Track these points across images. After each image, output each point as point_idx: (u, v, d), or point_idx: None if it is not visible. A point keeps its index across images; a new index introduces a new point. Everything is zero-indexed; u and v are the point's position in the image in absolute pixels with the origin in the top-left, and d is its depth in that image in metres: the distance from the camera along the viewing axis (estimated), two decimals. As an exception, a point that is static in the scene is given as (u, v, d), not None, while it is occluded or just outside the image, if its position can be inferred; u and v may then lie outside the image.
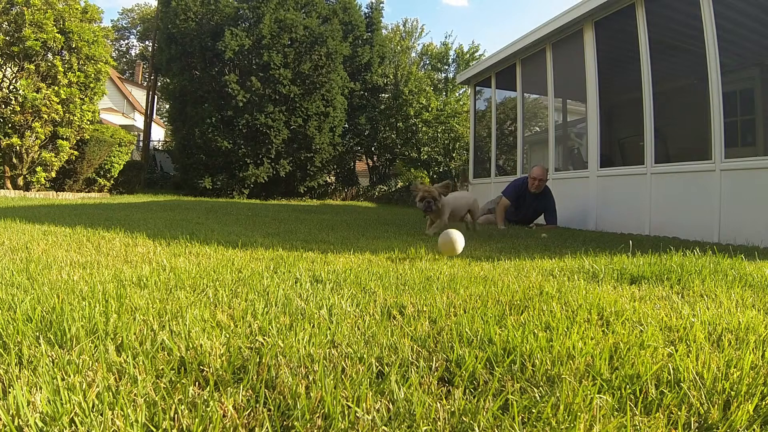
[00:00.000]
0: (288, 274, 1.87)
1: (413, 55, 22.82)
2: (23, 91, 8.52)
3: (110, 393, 0.79)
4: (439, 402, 0.83)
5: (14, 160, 8.77)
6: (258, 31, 13.62)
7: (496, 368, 0.97)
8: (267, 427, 0.73)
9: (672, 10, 5.26)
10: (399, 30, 23.95)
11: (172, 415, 0.74)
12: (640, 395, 0.87)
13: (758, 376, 0.94)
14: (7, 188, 8.65)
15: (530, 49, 7.16)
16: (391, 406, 0.80)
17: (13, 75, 8.88)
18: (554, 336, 1.14)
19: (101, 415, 0.73)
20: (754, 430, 0.78)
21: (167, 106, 17.11)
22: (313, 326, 1.19)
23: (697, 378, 0.93)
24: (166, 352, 0.98)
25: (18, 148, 8.63)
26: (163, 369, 0.90)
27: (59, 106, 8.75)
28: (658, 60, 5.20)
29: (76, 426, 0.71)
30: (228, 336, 1.08)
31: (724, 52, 4.49)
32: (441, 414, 0.79)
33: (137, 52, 36.07)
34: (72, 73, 9.06)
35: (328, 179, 16.20)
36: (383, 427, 0.74)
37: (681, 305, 1.53)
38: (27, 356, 0.93)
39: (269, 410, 0.78)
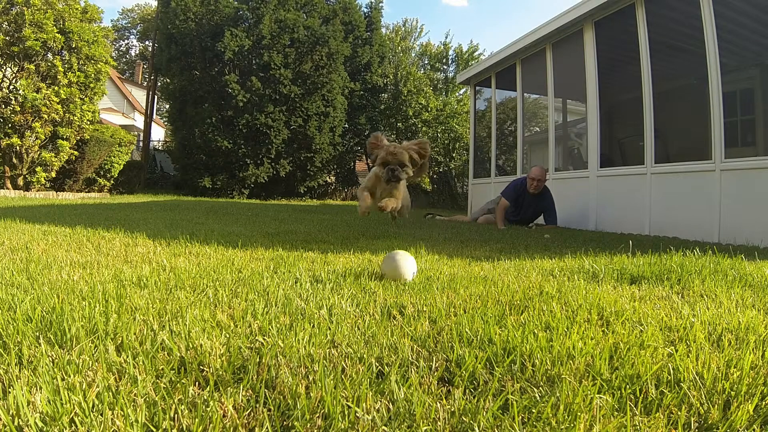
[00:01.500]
0: (288, 274, 1.87)
1: (413, 55, 22.81)
2: (23, 91, 8.53)
3: (110, 393, 0.79)
4: (439, 402, 0.83)
5: (14, 160, 8.77)
6: (258, 31, 13.63)
7: (496, 368, 0.97)
8: (267, 427, 0.73)
9: (672, 10, 5.26)
10: (399, 30, 23.94)
11: (172, 415, 0.74)
12: (640, 395, 0.87)
13: (758, 376, 0.94)
14: (7, 188, 8.65)
15: (530, 49, 7.16)
16: (391, 406, 0.80)
17: (13, 75, 8.88)
18: (554, 336, 1.14)
19: (101, 415, 0.73)
20: (754, 430, 0.78)
21: (167, 106, 17.12)
22: (313, 326, 1.19)
23: (697, 378, 0.93)
24: (166, 352, 0.98)
25: (18, 148, 8.63)
26: (163, 369, 0.90)
27: (59, 106, 8.75)
28: (658, 60, 5.20)
29: (76, 426, 0.71)
30: (228, 336, 1.08)
31: (724, 52, 4.49)
32: (441, 414, 0.79)
33: (137, 52, 36.12)
34: (72, 73, 9.07)
35: (328, 179, 16.20)
36: (383, 427, 0.74)
37: (681, 305, 1.53)
38: (27, 356, 0.93)
39: (269, 410, 0.78)
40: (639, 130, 5.34)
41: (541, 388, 0.89)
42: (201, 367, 0.92)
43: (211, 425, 0.72)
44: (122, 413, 0.73)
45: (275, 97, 13.80)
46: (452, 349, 1.04)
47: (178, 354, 0.97)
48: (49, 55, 8.99)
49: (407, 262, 1.86)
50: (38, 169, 8.89)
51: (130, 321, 1.14)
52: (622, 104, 6.46)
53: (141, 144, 18.49)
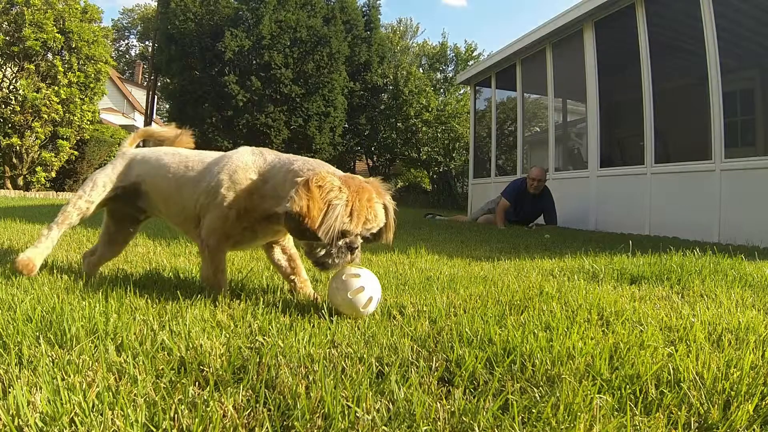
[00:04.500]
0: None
1: (411, 54, 22.79)
2: (23, 91, 8.53)
3: (110, 393, 0.79)
4: (439, 402, 0.83)
5: (14, 160, 8.77)
6: (258, 32, 13.63)
7: (496, 368, 0.97)
8: (267, 427, 0.73)
9: (672, 10, 5.26)
10: (398, 30, 23.92)
11: (172, 415, 0.74)
12: (640, 395, 0.87)
13: (758, 376, 0.94)
14: (7, 188, 8.64)
15: (530, 49, 7.16)
16: (391, 406, 0.80)
17: (13, 75, 8.88)
18: (554, 336, 1.14)
19: (101, 415, 0.73)
20: (754, 430, 0.78)
21: (167, 106, 17.12)
22: (313, 326, 1.19)
23: (697, 378, 0.93)
24: (166, 352, 0.98)
25: (18, 148, 8.63)
26: (163, 369, 0.90)
27: (59, 106, 8.75)
28: (658, 60, 5.20)
29: (76, 426, 0.71)
30: (228, 336, 1.08)
31: (724, 52, 4.49)
32: (441, 414, 0.79)
33: (137, 52, 36.06)
34: (72, 73, 9.06)
35: (328, 179, 16.20)
36: (383, 427, 0.74)
37: (681, 305, 1.52)
38: (27, 356, 0.93)
39: (269, 410, 0.78)
40: (639, 130, 5.34)
41: (541, 388, 0.89)
42: (201, 367, 0.92)
43: (211, 425, 0.72)
44: (122, 413, 0.73)
45: (275, 97, 13.81)
46: (452, 349, 1.04)
47: (178, 354, 0.97)
48: (49, 55, 8.99)
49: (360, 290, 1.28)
50: (38, 169, 8.89)
51: (130, 321, 1.14)
52: (622, 104, 6.45)
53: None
